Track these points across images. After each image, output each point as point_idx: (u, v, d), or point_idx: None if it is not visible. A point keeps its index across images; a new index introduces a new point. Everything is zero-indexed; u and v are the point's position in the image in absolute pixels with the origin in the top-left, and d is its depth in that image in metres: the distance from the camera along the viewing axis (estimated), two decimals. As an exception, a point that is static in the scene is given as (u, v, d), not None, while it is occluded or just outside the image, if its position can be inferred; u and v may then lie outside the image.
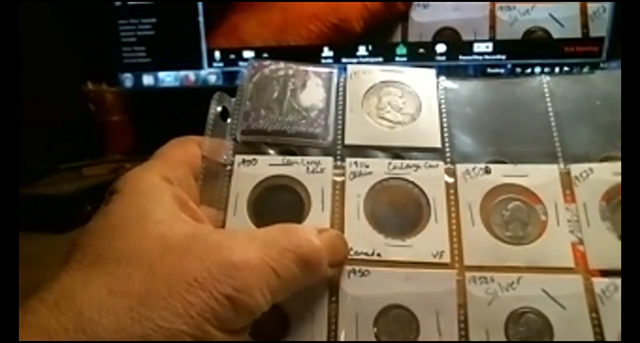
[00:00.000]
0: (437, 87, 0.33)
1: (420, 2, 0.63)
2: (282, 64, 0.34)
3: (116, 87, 0.71)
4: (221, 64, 0.68)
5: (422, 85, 0.33)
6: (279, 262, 0.24)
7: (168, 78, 0.70)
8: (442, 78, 0.34)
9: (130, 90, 0.71)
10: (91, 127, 0.72)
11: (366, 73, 0.34)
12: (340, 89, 0.33)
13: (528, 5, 0.61)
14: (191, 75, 0.70)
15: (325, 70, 0.34)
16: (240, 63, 0.68)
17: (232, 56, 0.68)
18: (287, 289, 0.24)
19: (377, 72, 0.34)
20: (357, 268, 0.28)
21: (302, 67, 0.34)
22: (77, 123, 0.72)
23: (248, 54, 0.67)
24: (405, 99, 0.33)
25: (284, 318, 0.27)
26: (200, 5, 0.67)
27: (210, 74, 0.69)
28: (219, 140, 0.31)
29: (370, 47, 0.65)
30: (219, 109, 0.32)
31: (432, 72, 0.34)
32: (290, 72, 0.34)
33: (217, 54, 0.68)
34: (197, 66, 0.69)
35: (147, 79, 0.71)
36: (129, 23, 0.69)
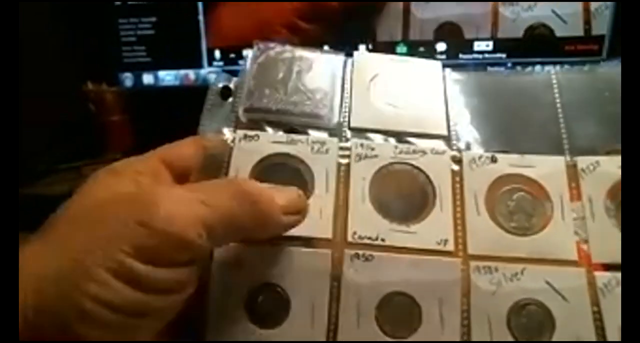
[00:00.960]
0: (444, 79, 0.33)
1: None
2: (288, 47, 0.33)
3: (116, 86, 0.71)
4: (221, 63, 0.68)
5: (428, 75, 0.33)
6: (209, 195, 0.23)
7: (168, 77, 0.70)
8: (448, 70, 0.33)
9: (130, 89, 0.71)
10: (91, 127, 0.72)
11: (372, 61, 0.34)
12: (347, 75, 0.33)
13: (531, 1, 0.61)
14: (191, 74, 0.70)
15: (332, 56, 0.34)
16: (240, 62, 0.68)
17: (232, 55, 0.68)
18: (226, 223, 0.23)
19: (384, 61, 0.33)
20: (360, 252, 0.27)
21: (308, 52, 0.33)
22: (77, 123, 0.72)
23: (248, 53, 0.67)
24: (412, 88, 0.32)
25: (285, 301, 0.27)
26: (200, 4, 0.67)
27: (210, 73, 0.69)
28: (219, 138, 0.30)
29: (370, 46, 0.65)
30: (220, 85, 0.31)
31: (438, 63, 0.34)
32: (297, 54, 0.33)
33: (217, 53, 0.68)
34: (197, 65, 0.69)
35: (147, 78, 0.70)
36: (129, 22, 0.69)
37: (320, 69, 0.33)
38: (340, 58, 0.34)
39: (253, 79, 0.32)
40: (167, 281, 0.22)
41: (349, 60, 0.33)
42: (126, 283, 0.21)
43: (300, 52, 0.33)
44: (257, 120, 0.31)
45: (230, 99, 0.32)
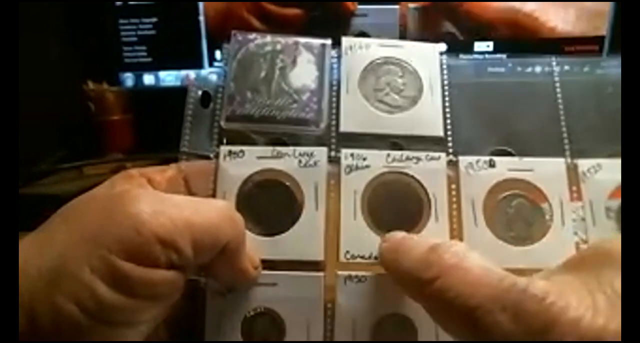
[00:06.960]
0: (441, 66, 0.31)
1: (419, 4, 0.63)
2: (269, 38, 0.31)
3: (117, 86, 0.71)
4: (222, 64, 0.68)
5: (424, 63, 0.31)
6: (201, 205, 0.24)
7: (169, 77, 0.70)
8: (445, 56, 0.31)
9: (131, 89, 0.71)
10: (91, 127, 0.72)
11: (363, 47, 0.31)
12: (334, 66, 0.31)
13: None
14: (192, 74, 0.70)
15: (317, 42, 0.31)
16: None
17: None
18: (211, 233, 0.23)
19: (375, 47, 0.31)
20: (353, 274, 0.27)
21: (292, 40, 0.31)
22: (77, 123, 0.72)
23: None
24: (406, 80, 0.30)
25: (280, 325, 0.27)
26: (200, 4, 0.67)
27: (211, 74, 0.69)
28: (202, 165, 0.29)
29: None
30: (199, 93, 0.30)
31: (436, 47, 0.32)
32: (279, 47, 0.31)
33: (217, 53, 0.68)
34: (198, 65, 0.69)
35: (148, 79, 0.71)
36: (129, 22, 0.69)
37: (305, 63, 0.30)
38: (327, 44, 0.31)
39: (233, 81, 0.30)
40: (147, 283, 0.21)
41: (337, 49, 0.31)
42: (105, 282, 0.20)
43: (283, 42, 0.31)
44: (240, 130, 0.29)
45: (211, 105, 0.30)
